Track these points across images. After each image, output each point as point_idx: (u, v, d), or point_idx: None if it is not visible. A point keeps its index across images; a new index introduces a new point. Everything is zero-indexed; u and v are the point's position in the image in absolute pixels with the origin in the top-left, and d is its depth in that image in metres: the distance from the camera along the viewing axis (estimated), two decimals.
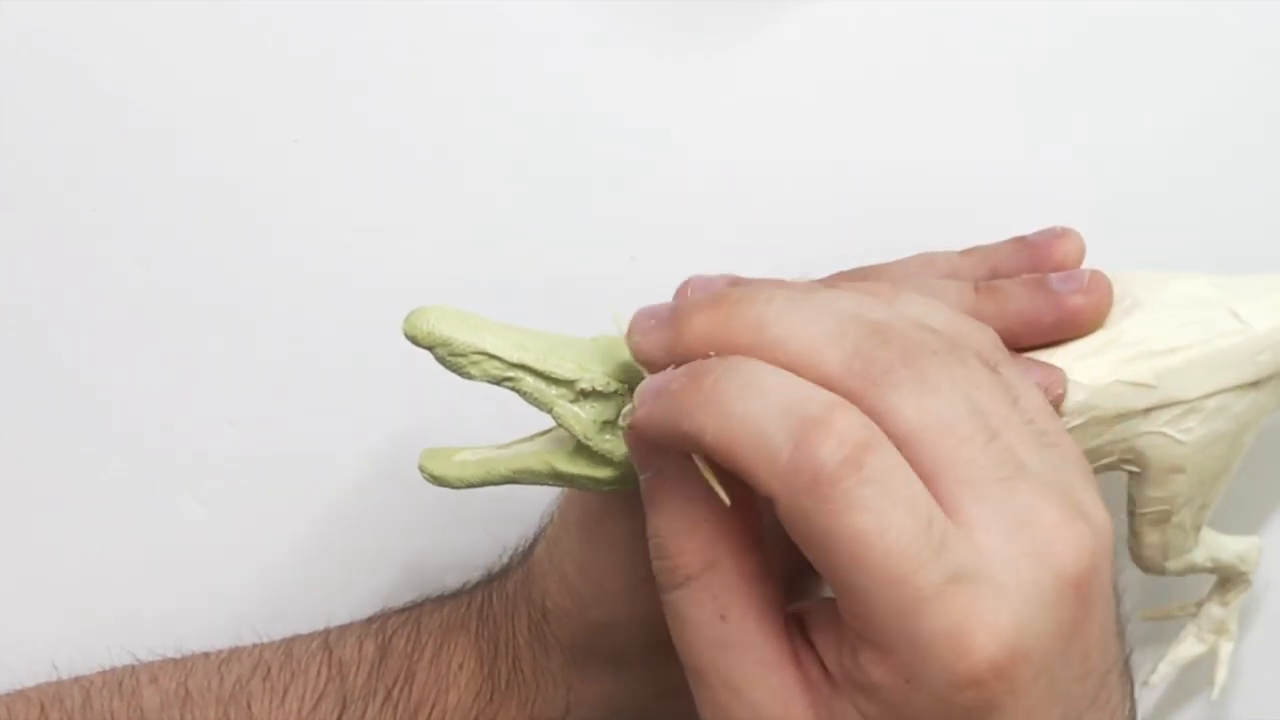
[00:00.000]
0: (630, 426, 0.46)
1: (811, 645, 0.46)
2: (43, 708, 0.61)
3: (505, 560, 0.63)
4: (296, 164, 0.64)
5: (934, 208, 0.64)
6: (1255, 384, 0.54)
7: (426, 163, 0.65)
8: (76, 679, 0.63)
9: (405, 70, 0.64)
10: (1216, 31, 0.64)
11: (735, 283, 0.49)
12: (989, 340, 0.49)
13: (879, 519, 0.42)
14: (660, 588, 0.47)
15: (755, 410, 0.43)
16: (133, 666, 0.63)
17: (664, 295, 0.59)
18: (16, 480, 0.66)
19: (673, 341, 0.46)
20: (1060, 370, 0.52)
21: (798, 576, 0.49)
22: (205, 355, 0.65)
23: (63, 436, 0.66)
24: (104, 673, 0.63)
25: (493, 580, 0.62)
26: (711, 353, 0.45)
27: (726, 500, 0.45)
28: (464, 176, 0.65)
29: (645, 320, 0.47)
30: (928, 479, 0.43)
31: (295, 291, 0.65)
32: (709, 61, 0.64)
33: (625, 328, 0.48)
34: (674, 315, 0.47)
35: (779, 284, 0.49)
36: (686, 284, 0.50)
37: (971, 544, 0.43)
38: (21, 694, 0.63)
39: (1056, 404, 0.52)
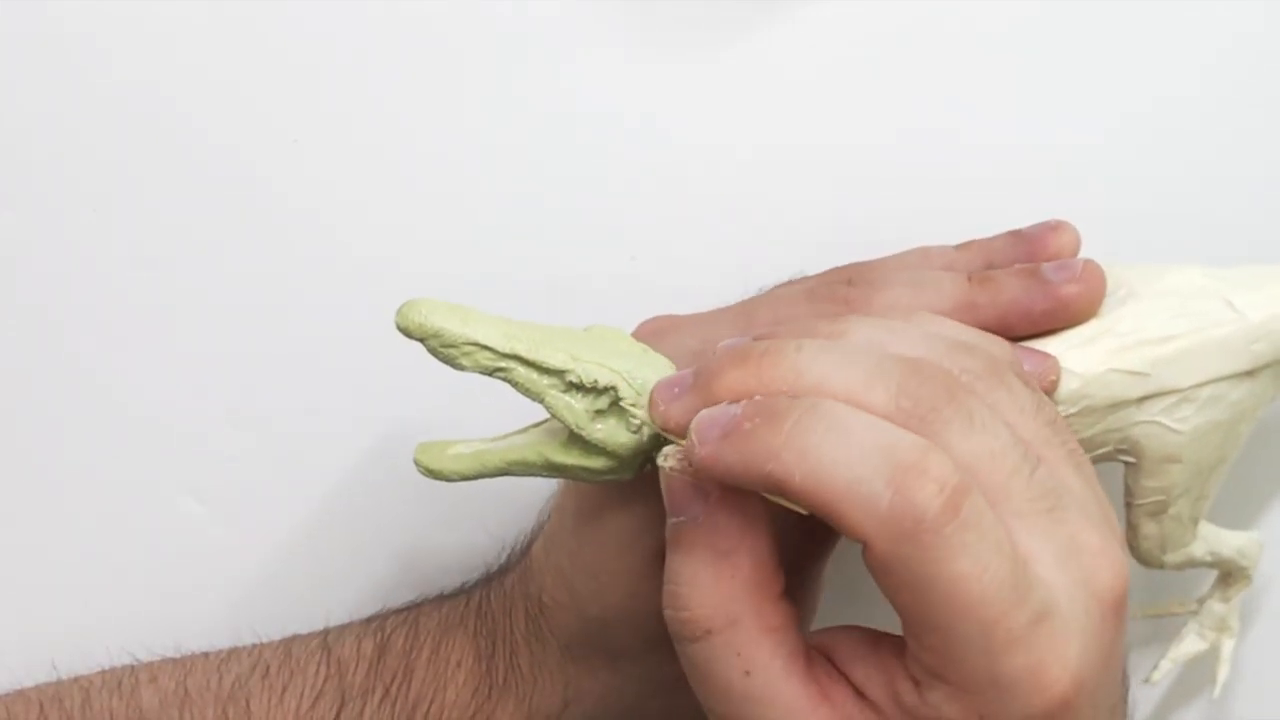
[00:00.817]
0: (674, 468, 0.46)
1: (843, 676, 0.46)
2: (42, 707, 0.61)
3: (503, 559, 0.63)
4: (296, 164, 0.64)
5: (933, 208, 0.64)
6: (1250, 373, 0.54)
7: (426, 163, 0.65)
8: (76, 679, 0.63)
9: (404, 71, 0.64)
10: (1211, 23, 0.64)
11: (762, 337, 0.48)
12: (1007, 352, 0.49)
13: (976, 564, 0.42)
14: (676, 638, 0.47)
15: (846, 455, 0.43)
16: (132, 666, 0.63)
17: (664, 295, 0.60)
18: (16, 480, 0.66)
19: (705, 405, 0.46)
20: (1054, 357, 0.53)
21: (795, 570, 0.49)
22: (205, 355, 0.65)
23: (62, 436, 0.66)
24: (103, 672, 0.63)
25: (491, 579, 0.62)
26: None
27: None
28: (464, 176, 0.65)
29: (667, 390, 0.47)
30: None
31: (295, 291, 0.65)
32: (709, 61, 0.64)
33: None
34: (699, 380, 0.46)
35: (793, 328, 0.48)
36: (714, 351, 0.49)
37: (1039, 577, 0.43)
38: (21, 694, 0.63)
39: (1050, 391, 0.52)
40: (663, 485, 0.47)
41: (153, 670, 0.62)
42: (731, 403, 0.45)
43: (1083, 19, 0.64)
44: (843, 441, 0.43)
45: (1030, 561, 0.43)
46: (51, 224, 0.64)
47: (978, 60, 0.64)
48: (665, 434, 0.47)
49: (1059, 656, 0.43)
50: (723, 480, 0.45)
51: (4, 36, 0.63)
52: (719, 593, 0.46)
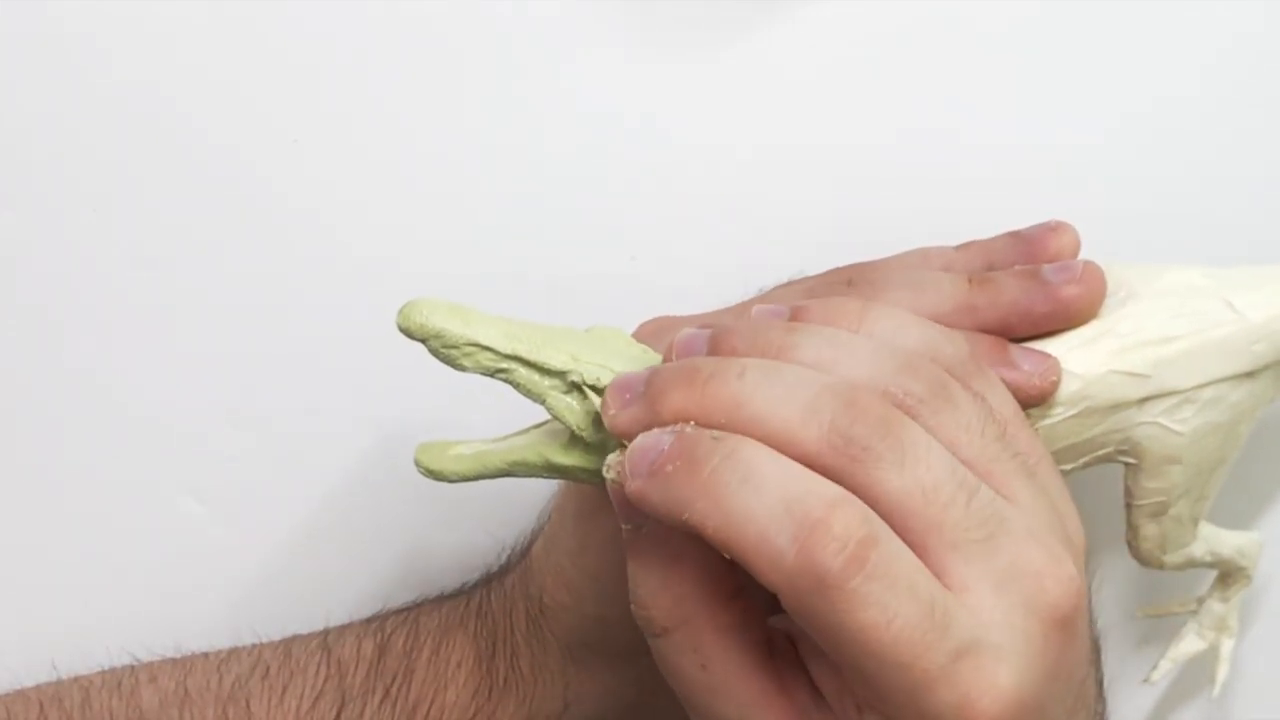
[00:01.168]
0: (615, 483, 0.46)
1: (802, 666, 0.47)
2: (42, 707, 0.61)
3: (504, 559, 0.63)
4: (296, 165, 0.64)
5: (933, 208, 0.64)
6: (1251, 374, 0.54)
7: (426, 163, 0.65)
8: (76, 679, 0.63)
9: (404, 71, 0.64)
10: (1210, 23, 0.64)
11: (717, 339, 0.48)
12: (961, 350, 0.49)
13: (884, 612, 0.43)
14: (643, 631, 0.48)
15: (756, 508, 0.43)
16: (132, 666, 0.63)
17: (664, 295, 0.60)
18: (16, 480, 0.66)
19: (649, 420, 0.46)
20: (1054, 358, 0.53)
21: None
22: (204, 355, 0.65)
23: (62, 436, 0.66)
24: (103, 672, 0.63)
25: (491, 580, 0.62)
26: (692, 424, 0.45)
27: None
28: (464, 176, 0.65)
29: (620, 394, 0.48)
30: (916, 546, 0.44)
31: (295, 291, 0.65)
32: (709, 61, 0.64)
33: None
34: (648, 391, 0.47)
35: (749, 331, 0.48)
36: (670, 347, 0.50)
37: (968, 609, 0.44)
38: (21, 694, 0.63)
39: (1050, 392, 0.52)
40: (610, 494, 0.47)
41: (153, 670, 0.62)
42: (668, 428, 0.46)
43: (1083, 19, 0.64)
44: (754, 494, 0.44)
45: (963, 593, 0.44)
46: (51, 224, 0.64)
47: (978, 60, 0.64)
48: (616, 438, 0.48)
49: (988, 687, 0.43)
50: (651, 516, 0.46)
51: (4, 36, 0.63)
52: (670, 595, 0.47)
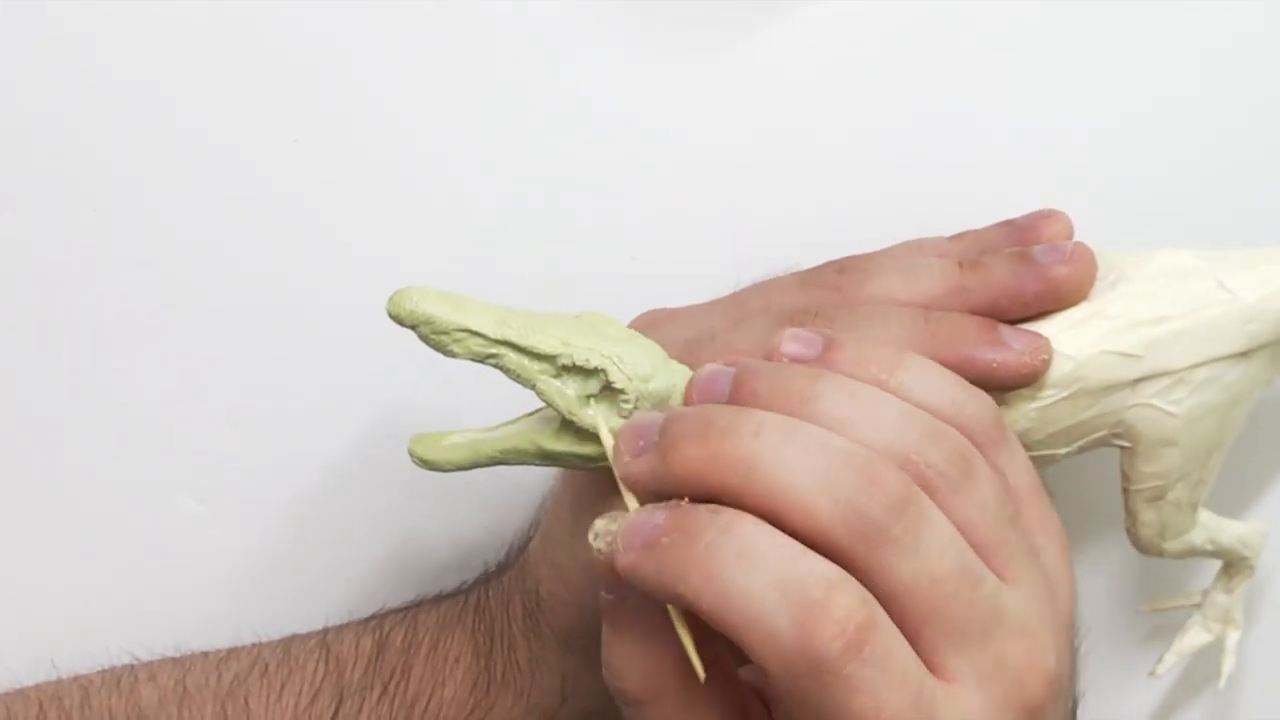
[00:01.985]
0: (604, 551, 0.45)
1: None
2: (41, 706, 0.61)
3: (502, 557, 0.63)
4: (296, 164, 0.65)
5: (933, 208, 0.63)
6: (1245, 354, 0.54)
7: (426, 163, 0.65)
8: (75, 678, 0.63)
9: (404, 71, 0.64)
10: (1211, 23, 0.64)
11: (739, 383, 0.47)
12: (987, 409, 0.48)
13: (875, 699, 0.42)
14: (615, 699, 0.48)
15: (752, 586, 0.43)
16: (131, 665, 0.63)
17: (664, 295, 0.59)
18: (16, 480, 0.66)
19: (662, 474, 0.45)
20: (1045, 338, 0.52)
21: None
22: (204, 355, 0.65)
23: (62, 436, 0.66)
24: (103, 671, 0.63)
25: (489, 577, 0.62)
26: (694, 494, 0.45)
27: (701, 675, 0.45)
28: (464, 176, 0.65)
29: (634, 440, 0.46)
30: (913, 631, 0.44)
31: (295, 291, 0.65)
32: (709, 61, 0.64)
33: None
34: (662, 442, 0.45)
35: (772, 375, 0.47)
36: (690, 387, 0.48)
37: (952, 699, 0.44)
38: (20, 693, 0.63)
39: (1041, 370, 0.52)
40: (595, 564, 0.46)
41: (152, 669, 0.62)
42: (663, 504, 0.45)
43: (1083, 20, 0.64)
44: (751, 571, 0.43)
45: (950, 682, 0.44)
46: (51, 224, 0.64)
47: (977, 60, 0.64)
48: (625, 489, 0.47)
49: None
50: (642, 590, 0.45)
51: (4, 36, 0.63)
52: (646, 669, 0.47)
